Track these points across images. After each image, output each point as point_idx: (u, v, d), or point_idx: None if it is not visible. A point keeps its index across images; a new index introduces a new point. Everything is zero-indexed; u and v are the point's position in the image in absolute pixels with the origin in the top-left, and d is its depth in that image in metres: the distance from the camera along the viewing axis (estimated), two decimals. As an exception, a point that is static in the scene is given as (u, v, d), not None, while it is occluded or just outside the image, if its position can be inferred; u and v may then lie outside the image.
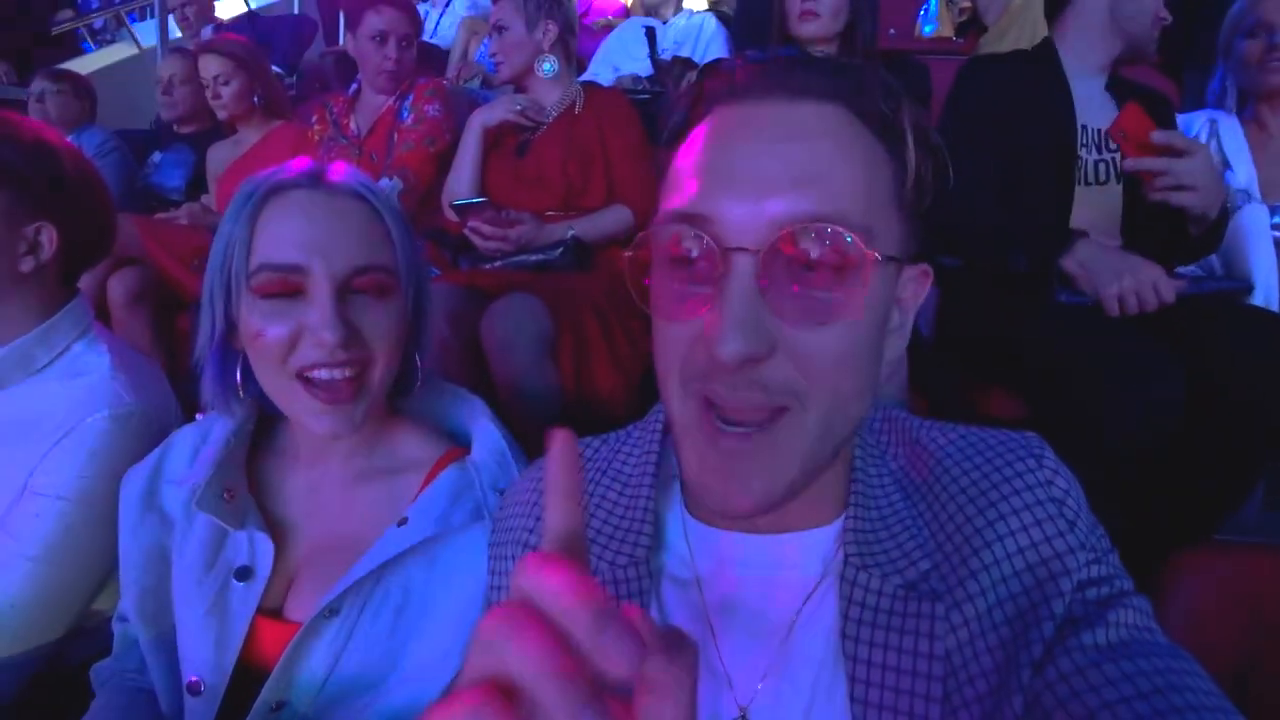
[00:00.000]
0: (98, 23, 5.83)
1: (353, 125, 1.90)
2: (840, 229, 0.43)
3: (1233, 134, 1.64)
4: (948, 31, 2.99)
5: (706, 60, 3.02)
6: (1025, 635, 0.46)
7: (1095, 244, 1.25)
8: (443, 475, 0.72)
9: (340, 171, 0.71)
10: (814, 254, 0.43)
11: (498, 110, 1.69)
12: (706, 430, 0.46)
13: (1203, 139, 1.64)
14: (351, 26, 1.94)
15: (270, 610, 0.71)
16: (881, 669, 0.48)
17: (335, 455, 0.75)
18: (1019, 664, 0.45)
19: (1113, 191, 1.43)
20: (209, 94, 2.13)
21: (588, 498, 0.60)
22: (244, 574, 0.70)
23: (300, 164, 0.70)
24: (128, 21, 4.66)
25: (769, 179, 0.44)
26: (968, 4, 3.08)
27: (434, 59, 3.30)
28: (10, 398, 0.92)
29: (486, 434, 0.77)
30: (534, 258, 1.42)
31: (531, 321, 1.22)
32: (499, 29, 1.68)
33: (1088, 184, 1.43)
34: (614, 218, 1.63)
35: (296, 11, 4.30)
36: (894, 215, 0.47)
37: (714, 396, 0.45)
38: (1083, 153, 1.42)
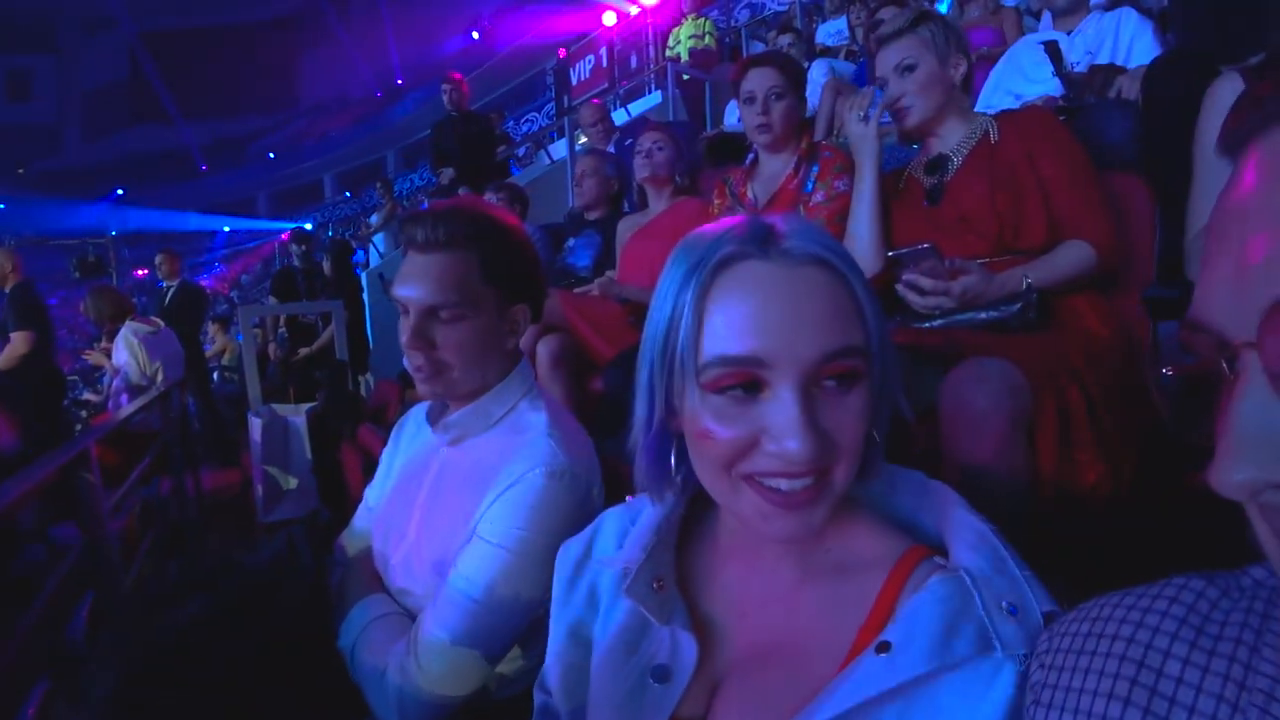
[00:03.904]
0: (520, 151, 7.60)
1: (749, 194, 1.89)
2: None
3: None
4: None
5: (1133, 64, 2.47)
6: None
7: None
8: (931, 586, 0.53)
9: (791, 228, 0.57)
10: None
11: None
12: None
13: None
14: (738, 97, 1.97)
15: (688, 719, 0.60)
16: None
17: (778, 547, 0.63)
18: None
19: None
20: (641, 157, 2.34)
21: None
22: (661, 674, 0.62)
23: (740, 224, 0.57)
24: (546, 146, 5.83)
25: None
26: None
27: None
28: (470, 447, 1.03)
29: (968, 528, 0.57)
30: (983, 315, 1.17)
31: (1009, 393, 0.97)
32: (906, 68, 1.47)
33: None
34: (1073, 258, 1.30)
35: (671, 116, 4.83)
36: None
37: None
38: None
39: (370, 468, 1.28)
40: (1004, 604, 0.52)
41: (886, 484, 0.66)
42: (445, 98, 4.85)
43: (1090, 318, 1.29)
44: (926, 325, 1.24)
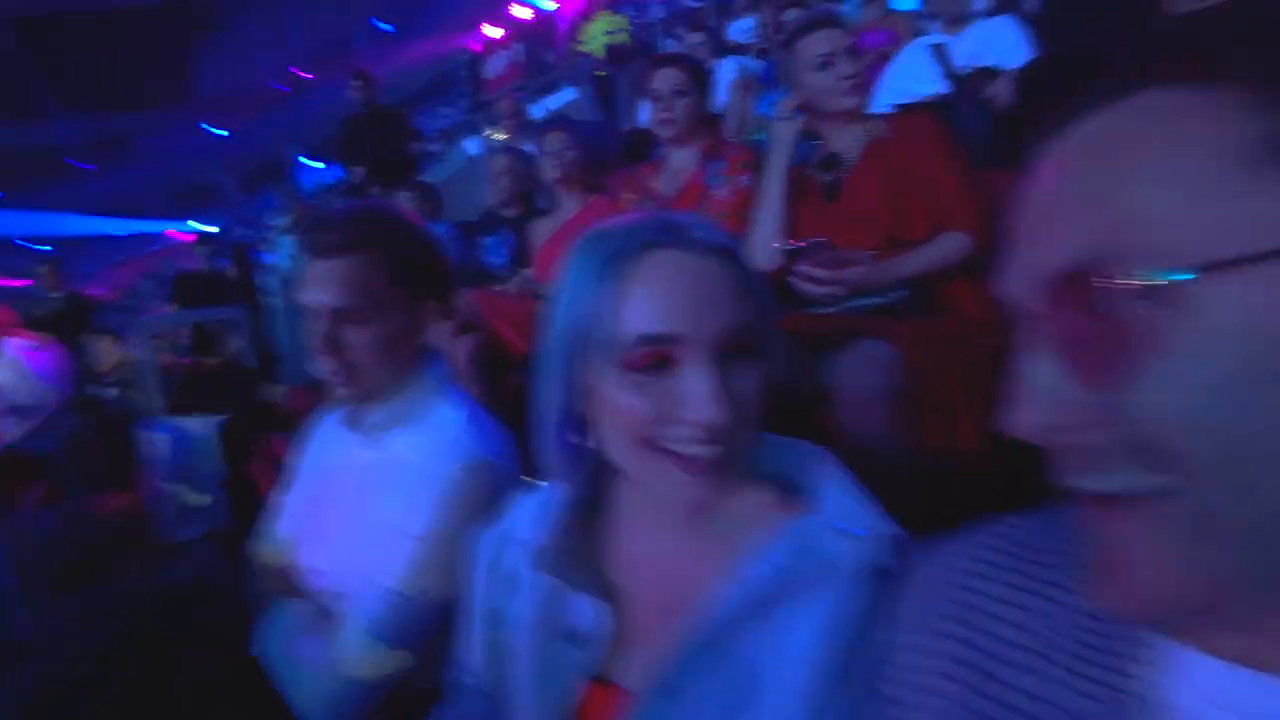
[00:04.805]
0: (433, 147, 7.41)
1: (658, 186, 1.95)
2: None
3: None
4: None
5: (1012, 66, 2.68)
6: None
7: None
8: (780, 527, 0.65)
9: (694, 221, 0.65)
10: None
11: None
12: None
13: None
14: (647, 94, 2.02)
15: (602, 678, 0.67)
16: None
17: (673, 516, 0.70)
18: None
19: None
20: (551, 159, 2.34)
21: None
22: (580, 640, 0.68)
23: (650, 217, 0.66)
24: (460, 142, 5.75)
25: None
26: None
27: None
28: (387, 446, 1.04)
29: (832, 480, 0.67)
30: (871, 302, 1.27)
31: (888, 371, 1.07)
32: (852, 52, 1.57)
33: None
34: (951, 247, 1.43)
35: (586, 112, 4.85)
36: None
37: None
38: None
39: (284, 478, 1.26)
40: (842, 529, 0.62)
41: (773, 451, 0.73)
42: (355, 94, 4.69)
43: (968, 300, 1.42)
44: (822, 312, 1.33)
